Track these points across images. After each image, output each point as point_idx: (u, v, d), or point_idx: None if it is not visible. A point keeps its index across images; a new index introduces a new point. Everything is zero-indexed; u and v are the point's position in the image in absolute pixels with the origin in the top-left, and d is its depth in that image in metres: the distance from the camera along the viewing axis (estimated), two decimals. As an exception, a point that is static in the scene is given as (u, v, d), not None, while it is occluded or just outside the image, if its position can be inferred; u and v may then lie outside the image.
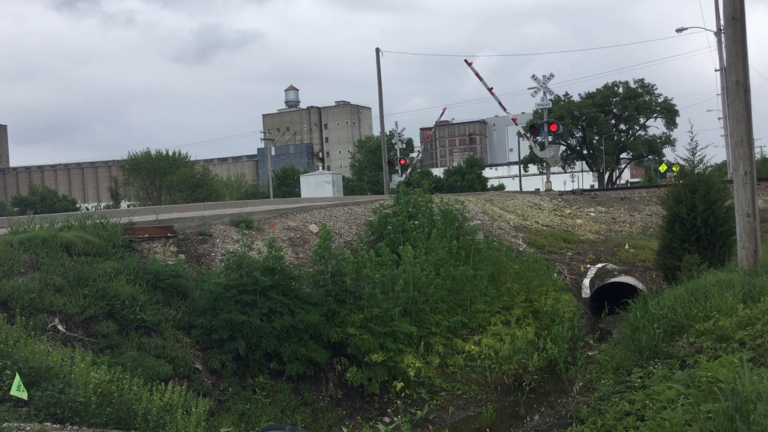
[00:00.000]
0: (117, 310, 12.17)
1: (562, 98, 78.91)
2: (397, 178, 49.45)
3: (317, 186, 57.62)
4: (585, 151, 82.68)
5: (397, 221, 19.42)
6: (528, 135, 47.90)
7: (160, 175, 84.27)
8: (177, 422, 8.63)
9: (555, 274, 23.66)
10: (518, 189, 65.88)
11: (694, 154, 19.24)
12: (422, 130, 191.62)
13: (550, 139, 46.42)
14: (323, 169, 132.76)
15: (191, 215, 19.61)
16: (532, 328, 18.47)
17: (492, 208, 31.28)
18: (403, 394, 14.27)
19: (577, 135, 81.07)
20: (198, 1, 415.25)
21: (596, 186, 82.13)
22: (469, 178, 74.07)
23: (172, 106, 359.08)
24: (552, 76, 45.15)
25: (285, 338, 13.35)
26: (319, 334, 14.00)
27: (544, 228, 30.25)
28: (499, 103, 51.09)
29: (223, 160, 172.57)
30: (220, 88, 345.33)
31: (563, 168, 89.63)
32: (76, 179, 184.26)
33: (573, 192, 43.81)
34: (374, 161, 78.03)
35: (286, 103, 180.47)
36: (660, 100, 77.23)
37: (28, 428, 6.48)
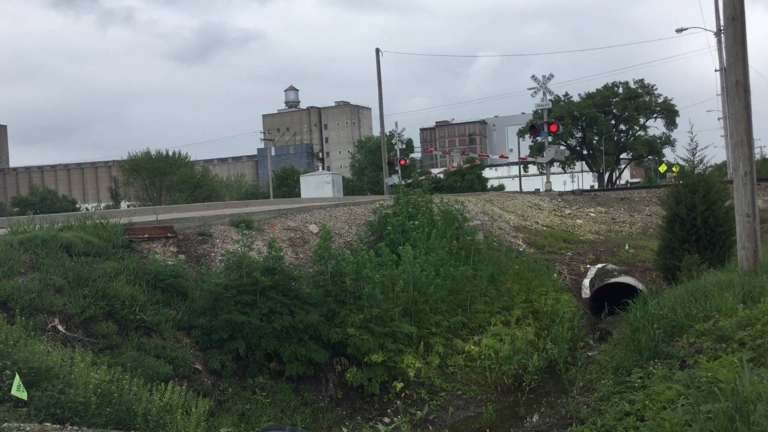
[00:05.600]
0: (117, 311, 12.17)
1: (562, 98, 78.94)
2: (396, 178, 49.28)
3: (317, 186, 57.57)
4: (585, 152, 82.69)
5: (397, 221, 19.41)
6: (528, 157, 48.59)
7: (160, 175, 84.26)
8: (177, 422, 8.63)
9: (555, 275, 23.65)
10: (518, 189, 65.88)
11: (694, 155, 19.24)
12: (422, 130, 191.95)
13: (550, 139, 46.45)
14: (323, 169, 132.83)
15: (191, 215, 19.59)
16: (532, 329, 18.47)
17: (492, 209, 31.28)
18: (403, 395, 14.26)
19: (577, 135, 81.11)
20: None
21: (596, 186, 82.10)
22: (469, 178, 73.99)
23: (172, 106, 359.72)
24: (552, 76, 45.23)
25: (285, 338, 13.35)
26: (319, 335, 13.99)
27: (544, 228, 30.25)
28: (479, 156, 51.90)
29: (223, 160, 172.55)
30: (220, 88, 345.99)
31: (563, 168, 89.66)
32: (76, 179, 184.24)
33: (573, 192, 43.79)
34: (374, 161, 77.96)
35: (286, 103, 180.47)
36: (660, 100, 77.32)
37: (28, 428, 6.48)
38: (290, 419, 12.33)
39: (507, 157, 71.08)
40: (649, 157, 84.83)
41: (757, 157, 74.20)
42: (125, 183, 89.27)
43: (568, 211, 34.98)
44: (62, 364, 8.66)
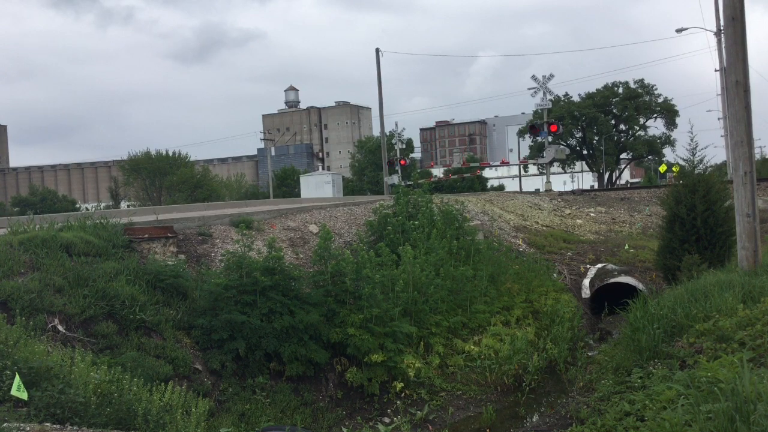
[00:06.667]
0: (117, 311, 12.16)
1: (562, 98, 78.99)
2: (396, 178, 49.23)
3: (317, 186, 57.51)
4: (585, 152, 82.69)
5: (397, 221, 19.41)
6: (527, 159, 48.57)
7: (160, 175, 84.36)
8: (177, 422, 8.63)
9: (555, 275, 23.64)
10: (518, 189, 65.88)
11: (694, 155, 19.25)
12: (422, 130, 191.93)
13: (550, 139, 46.49)
14: (323, 169, 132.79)
15: (191, 215, 19.58)
16: (532, 329, 18.46)
17: (492, 209, 31.27)
18: (403, 395, 14.26)
19: (577, 135, 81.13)
20: None
21: (596, 186, 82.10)
22: (469, 178, 73.99)
23: (172, 106, 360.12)
24: (552, 76, 45.35)
25: (285, 338, 13.35)
26: (319, 335, 13.99)
27: (544, 228, 30.25)
28: (480, 165, 51.74)
29: (223, 160, 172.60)
30: (220, 88, 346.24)
31: (563, 168, 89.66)
32: (76, 179, 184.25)
33: (573, 192, 43.79)
34: (374, 161, 77.98)
35: (286, 103, 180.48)
36: (660, 100, 77.39)
37: (28, 428, 6.48)
38: (290, 419, 12.33)
39: (508, 162, 71.40)
40: (649, 157, 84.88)
41: (757, 157, 74.21)
42: (125, 183, 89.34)
43: (568, 211, 34.98)
44: (62, 364, 8.65)
